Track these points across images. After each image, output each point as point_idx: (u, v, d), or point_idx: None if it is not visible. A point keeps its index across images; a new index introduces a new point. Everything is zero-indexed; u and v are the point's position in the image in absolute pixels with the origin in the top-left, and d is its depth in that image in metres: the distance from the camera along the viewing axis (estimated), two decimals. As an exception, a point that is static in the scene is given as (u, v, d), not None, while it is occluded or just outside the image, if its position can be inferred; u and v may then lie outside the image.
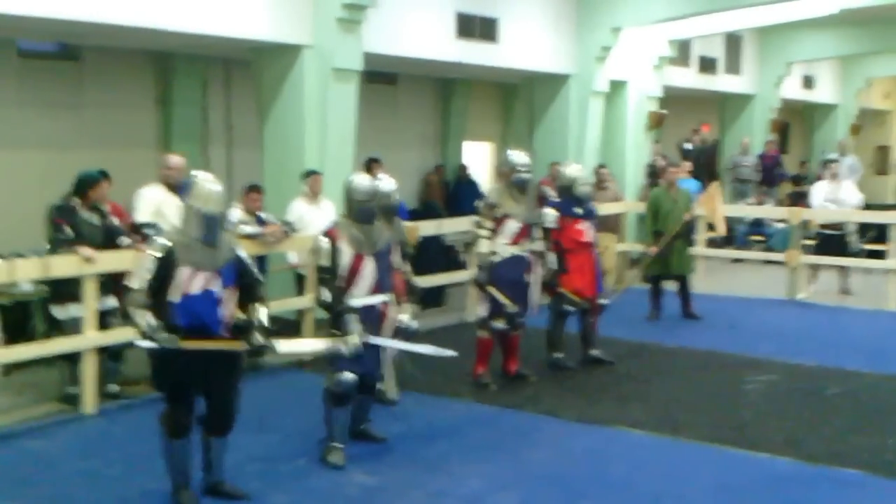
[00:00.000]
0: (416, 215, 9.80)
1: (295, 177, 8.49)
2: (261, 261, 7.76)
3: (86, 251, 6.03)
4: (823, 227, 10.91)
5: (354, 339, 5.21)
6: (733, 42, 15.74)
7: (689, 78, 14.84)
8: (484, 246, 6.79)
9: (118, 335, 6.20)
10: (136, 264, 4.55)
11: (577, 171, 7.52)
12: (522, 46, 11.37)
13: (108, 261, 6.16)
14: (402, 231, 6.14)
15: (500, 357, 7.07)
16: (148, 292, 4.47)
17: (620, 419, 6.14)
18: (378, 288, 5.40)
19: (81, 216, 6.28)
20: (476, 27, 10.69)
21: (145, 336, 4.43)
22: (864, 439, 5.75)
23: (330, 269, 5.32)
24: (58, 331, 6.37)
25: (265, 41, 8.62)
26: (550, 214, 7.22)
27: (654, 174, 13.05)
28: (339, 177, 8.91)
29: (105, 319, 6.33)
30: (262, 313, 4.75)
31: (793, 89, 17.48)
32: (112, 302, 6.37)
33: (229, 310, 4.64)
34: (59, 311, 6.35)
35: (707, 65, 15.31)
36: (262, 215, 7.74)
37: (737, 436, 5.82)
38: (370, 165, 9.44)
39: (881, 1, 12.49)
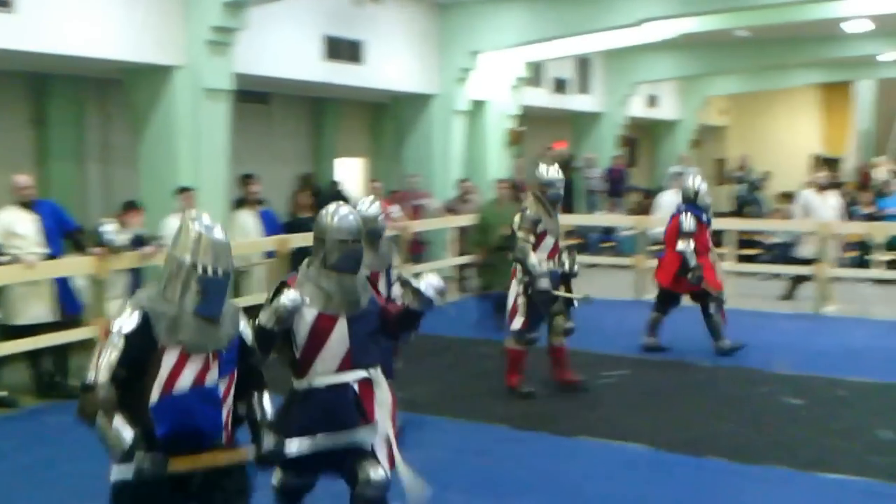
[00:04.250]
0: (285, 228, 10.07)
1: (170, 193, 8.74)
2: (136, 273, 8.00)
3: None
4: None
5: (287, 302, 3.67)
6: (583, 64, 16.90)
7: (543, 98, 15.84)
8: (533, 257, 6.63)
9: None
10: (99, 348, 3.20)
11: (700, 182, 8.27)
12: (387, 68, 12.02)
13: None
14: (389, 256, 5.84)
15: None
16: (115, 384, 3.08)
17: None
18: (351, 361, 3.84)
19: None
20: (343, 49, 11.29)
21: (121, 458, 3.06)
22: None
23: (269, 330, 3.71)
24: None
25: (136, 62, 8.87)
26: (690, 219, 8.02)
27: (514, 188, 13.92)
28: (214, 192, 9.31)
29: None
30: (268, 406, 3.46)
31: (638, 107, 18.85)
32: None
33: (229, 406, 3.33)
34: None
35: (559, 85, 16.37)
36: (138, 232, 7.99)
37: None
38: (245, 181, 9.83)
39: (714, 26, 13.89)
